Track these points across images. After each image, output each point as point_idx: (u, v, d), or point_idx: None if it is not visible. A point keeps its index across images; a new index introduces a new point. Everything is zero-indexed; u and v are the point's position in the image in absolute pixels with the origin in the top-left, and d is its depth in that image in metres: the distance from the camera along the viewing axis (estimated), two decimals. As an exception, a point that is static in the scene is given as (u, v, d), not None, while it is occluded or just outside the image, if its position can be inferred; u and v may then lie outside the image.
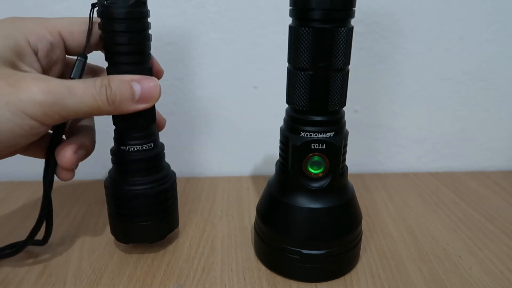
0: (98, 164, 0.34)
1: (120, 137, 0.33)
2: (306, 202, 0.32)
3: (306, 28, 0.28)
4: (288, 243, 0.32)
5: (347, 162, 0.34)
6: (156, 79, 0.31)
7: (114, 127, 0.33)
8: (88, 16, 0.30)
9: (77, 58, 0.30)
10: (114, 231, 0.36)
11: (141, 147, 0.33)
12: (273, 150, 0.38)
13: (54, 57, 0.30)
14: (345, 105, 0.31)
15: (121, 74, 0.29)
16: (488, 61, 0.50)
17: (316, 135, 0.31)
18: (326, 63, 0.29)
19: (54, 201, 0.33)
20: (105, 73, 0.32)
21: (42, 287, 0.32)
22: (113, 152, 0.33)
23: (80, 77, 0.30)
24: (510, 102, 0.53)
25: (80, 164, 0.32)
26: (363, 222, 0.36)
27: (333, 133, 0.31)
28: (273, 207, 0.34)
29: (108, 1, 0.28)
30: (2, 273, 0.34)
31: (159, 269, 0.35)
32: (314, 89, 0.30)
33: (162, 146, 0.35)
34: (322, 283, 0.33)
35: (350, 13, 0.28)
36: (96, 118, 0.35)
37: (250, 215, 0.43)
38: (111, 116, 0.32)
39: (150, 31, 0.31)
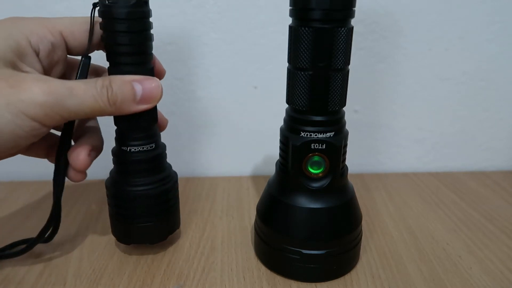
0: (99, 165, 0.34)
1: (121, 138, 0.33)
2: (306, 202, 0.32)
3: (306, 28, 0.28)
4: (288, 243, 0.32)
5: (347, 162, 0.34)
6: (158, 79, 0.30)
7: (115, 127, 0.33)
8: (90, 15, 0.30)
9: (81, 59, 0.30)
10: (115, 232, 0.36)
11: (143, 148, 0.32)
12: (273, 150, 0.38)
13: (56, 57, 0.30)
14: (345, 105, 0.31)
15: (123, 74, 0.29)
16: (488, 61, 0.50)
17: (316, 135, 0.31)
18: (326, 63, 0.29)
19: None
20: (107, 73, 0.32)
21: (42, 287, 0.32)
22: (114, 152, 0.33)
23: (85, 78, 0.30)
24: (510, 102, 0.53)
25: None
26: (363, 222, 0.36)
27: (333, 133, 0.31)
28: (273, 207, 0.34)
29: (110, 1, 0.28)
30: (3, 273, 0.34)
31: (159, 269, 0.35)
32: (314, 89, 0.30)
33: (164, 146, 0.35)
34: (322, 283, 0.33)
35: (350, 13, 0.28)
36: (97, 118, 0.35)
37: (250, 215, 0.43)
38: (112, 117, 0.32)
39: (151, 31, 0.31)
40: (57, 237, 0.34)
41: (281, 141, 0.33)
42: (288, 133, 0.32)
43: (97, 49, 0.32)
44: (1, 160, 0.29)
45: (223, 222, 0.42)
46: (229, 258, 0.36)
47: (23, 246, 0.34)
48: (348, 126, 0.33)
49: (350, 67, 0.31)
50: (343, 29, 0.28)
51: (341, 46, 0.28)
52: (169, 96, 0.50)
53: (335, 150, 0.31)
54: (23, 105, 0.25)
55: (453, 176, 0.53)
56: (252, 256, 0.36)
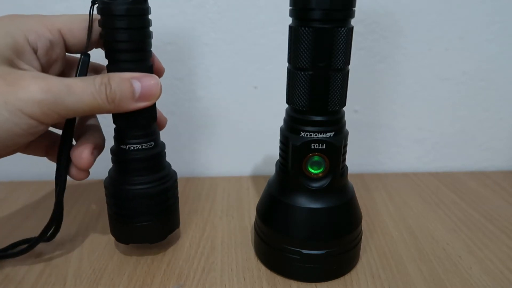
0: (99, 165, 0.34)
1: (120, 136, 0.32)
2: (306, 202, 0.32)
3: (306, 28, 0.28)
4: (288, 243, 0.32)
5: (347, 162, 0.34)
6: (157, 76, 0.30)
7: (114, 125, 0.33)
8: (88, 13, 0.30)
9: (80, 57, 0.30)
10: (114, 232, 0.35)
11: (142, 146, 0.32)
12: (273, 150, 0.38)
13: (54, 55, 0.30)
14: (345, 105, 0.31)
15: (121, 72, 0.29)
16: (488, 61, 0.50)
17: (316, 135, 0.31)
18: (326, 63, 0.29)
19: (54, 201, 0.33)
20: (106, 71, 0.31)
21: (42, 287, 0.32)
22: (113, 151, 0.33)
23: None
24: (510, 102, 0.53)
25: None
26: (363, 222, 0.36)
27: (333, 133, 0.31)
28: (273, 207, 0.34)
29: None
30: (3, 273, 0.34)
31: (159, 269, 0.35)
32: (314, 89, 0.29)
33: (163, 145, 0.35)
34: (322, 283, 0.33)
35: (350, 13, 0.28)
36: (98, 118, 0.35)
37: (250, 215, 0.43)
38: (111, 115, 0.32)
39: (151, 29, 0.31)
40: (57, 237, 0.34)
41: (281, 141, 0.33)
42: (288, 133, 0.32)
43: (96, 47, 0.32)
44: (1, 160, 0.29)
45: (223, 222, 0.42)
46: (229, 258, 0.36)
47: (25, 245, 0.34)
48: (348, 126, 0.33)
49: (350, 67, 0.31)
50: (343, 29, 0.28)
51: (341, 46, 0.28)
52: (169, 96, 0.50)
53: (335, 150, 0.31)
54: (21, 103, 0.25)
55: (453, 176, 0.53)
56: (252, 256, 0.36)
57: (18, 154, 0.32)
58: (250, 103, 0.51)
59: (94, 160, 0.32)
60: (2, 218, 0.42)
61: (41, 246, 0.36)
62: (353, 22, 0.29)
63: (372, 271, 0.34)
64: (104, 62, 0.31)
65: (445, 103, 0.52)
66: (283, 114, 0.33)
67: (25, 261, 0.35)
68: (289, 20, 0.30)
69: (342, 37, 0.28)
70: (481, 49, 0.50)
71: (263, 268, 0.35)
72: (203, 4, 0.46)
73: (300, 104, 0.30)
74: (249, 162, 0.54)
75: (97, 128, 0.34)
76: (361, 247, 0.36)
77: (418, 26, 0.48)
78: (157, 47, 0.33)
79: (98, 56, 0.33)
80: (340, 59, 0.29)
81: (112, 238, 0.37)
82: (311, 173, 0.31)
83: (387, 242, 0.38)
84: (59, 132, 0.33)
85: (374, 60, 0.50)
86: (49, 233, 0.33)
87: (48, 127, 0.28)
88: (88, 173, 0.32)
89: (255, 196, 0.48)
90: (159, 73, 0.34)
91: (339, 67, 0.29)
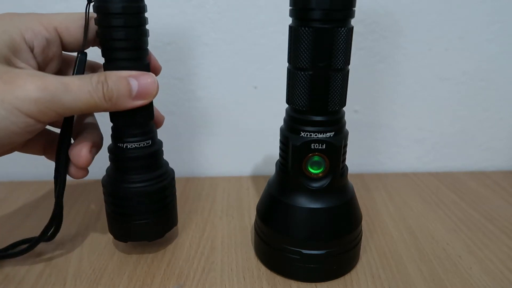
0: (98, 164, 0.34)
1: (117, 134, 0.32)
2: (306, 202, 0.32)
3: (306, 28, 0.28)
4: (288, 243, 0.32)
5: (347, 162, 0.34)
6: (154, 75, 0.30)
7: (111, 124, 0.33)
8: (85, 11, 0.30)
9: (77, 55, 0.30)
10: (112, 230, 0.35)
11: (139, 144, 0.32)
12: (273, 150, 0.38)
13: (50, 53, 0.30)
14: (345, 105, 0.31)
15: (118, 70, 0.29)
16: (488, 61, 0.50)
17: (316, 135, 0.31)
18: (326, 63, 0.29)
19: (53, 201, 0.33)
20: (102, 69, 0.31)
21: (42, 287, 0.32)
22: (111, 149, 0.33)
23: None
24: (510, 102, 0.53)
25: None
26: (363, 222, 0.36)
27: (333, 133, 0.31)
28: (273, 207, 0.34)
29: None
30: (3, 273, 0.34)
31: (159, 269, 0.35)
32: (314, 89, 0.29)
33: (160, 143, 0.34)
34: (322, 283, 0.33)
35: (350, 13, 0.28)
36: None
37: (250, 215, 0.43)
38: (108, 113, 0.32)
39: (148, 27, 0.31)
40: (57, 237, 0.34)
41: (281, 141, 0.33)
42: (288, 133, 0.32)
43: (93, 45, 0.32)
44: (1, 160, 0.29)
45: (223, 222, 0.42)
46: (229, 258, 0.36)
47: (25, 245, 0.34)
48: (348, 126, 0.33)
49: (350, 67, 0.31)
50: (343, 29, 0.28)
51: (341, 46, 0.28)
52: (169, 96, 0.50)
53: (335, 150, 0.31)
54: (18, 102, 0.25)
55: (453, 176, 0.53)
56: (252, 256, 0.36)
57: (18, 154, 0.32)
58: (250, 103, 0.51)
59: (93, 158, 0.31)
60: (2, 218, 0.42)
61: (41, 246, 0.36)
62: (353, 22, 0.29)
63: (372, 271, 0.34)
64: (101, 60, 0.31)
65: (445, 103, 0.52)
66: (283, 114, 0.33)
67: (25, 261, 0.35)
68: (289, 20, 0.30)
69: (342, 37, 0.28)
70: (481, 49, 0.50)
71: (263, 268, 0.35)
72: (203, 4, 0.46)
73: (300, 104, 0.30)
74: (249, 162, 0.54)
75: (95, 126, 0.34)
76: (361, 247, 0.36)
77: (418, 26, 0.48)
78: (157, 47, 0.33)
79: (94, 54, 0.33)
80: (340, 59, 0.29)
81: (112, 238, 0.37)
82: (311, 173, 0.31)
83: (387, 242, 0.38)
84: (57, 130, 0.33)
85: (374, 60, 0.50)
86: (49, 233, 0.33)
87: (45, 125, 0.28)
88: (87, 171, 0.32)
89: (255, 196, 0.48)
90: (156, 71, 0.34)
91: (339, 67, 0.29)
